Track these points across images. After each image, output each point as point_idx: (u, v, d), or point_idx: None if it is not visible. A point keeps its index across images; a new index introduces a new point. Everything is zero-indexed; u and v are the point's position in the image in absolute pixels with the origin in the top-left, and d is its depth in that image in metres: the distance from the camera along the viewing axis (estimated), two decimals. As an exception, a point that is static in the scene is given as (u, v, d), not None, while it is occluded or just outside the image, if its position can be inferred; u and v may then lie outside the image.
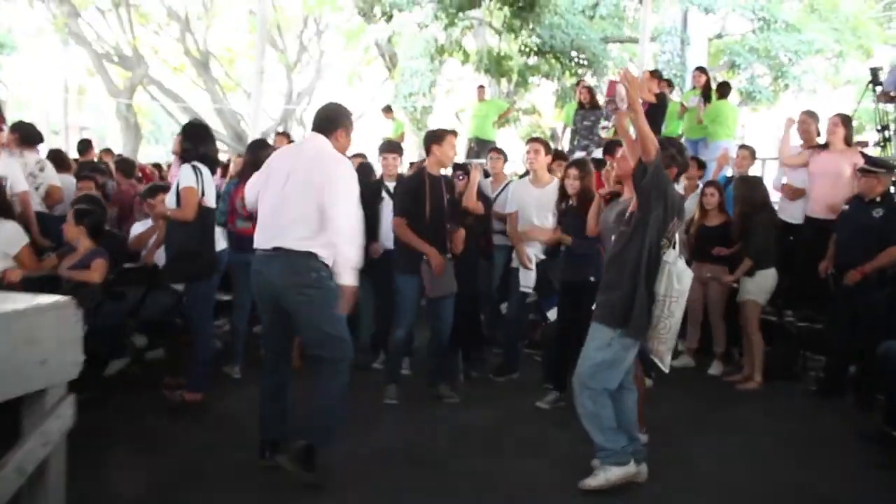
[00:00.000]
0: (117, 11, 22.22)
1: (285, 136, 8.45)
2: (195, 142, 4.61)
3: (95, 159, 8.88)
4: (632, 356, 3.71)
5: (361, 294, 6.02)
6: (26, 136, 6.03)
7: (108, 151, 10.56)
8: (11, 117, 7.93)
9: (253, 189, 3.79)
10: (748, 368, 5.92)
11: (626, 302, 3.55)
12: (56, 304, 2.25)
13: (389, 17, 13.79)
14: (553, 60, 13.95)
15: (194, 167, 4.46)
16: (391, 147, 6.13)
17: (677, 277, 3.58)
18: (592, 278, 4.66)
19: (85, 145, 8.95)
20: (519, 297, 5.70)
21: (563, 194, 5.13)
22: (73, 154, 8.60)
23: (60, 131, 25.62)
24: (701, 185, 6.64)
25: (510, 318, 5.89)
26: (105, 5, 22.63)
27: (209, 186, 4.53)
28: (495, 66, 14.10)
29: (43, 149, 6.57)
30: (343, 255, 3.51)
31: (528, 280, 5.58)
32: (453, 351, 5.45)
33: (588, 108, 9.61)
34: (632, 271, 3.54)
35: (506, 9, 13.22)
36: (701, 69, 9.81)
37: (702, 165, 7.61)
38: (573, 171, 5.01)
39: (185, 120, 20.63)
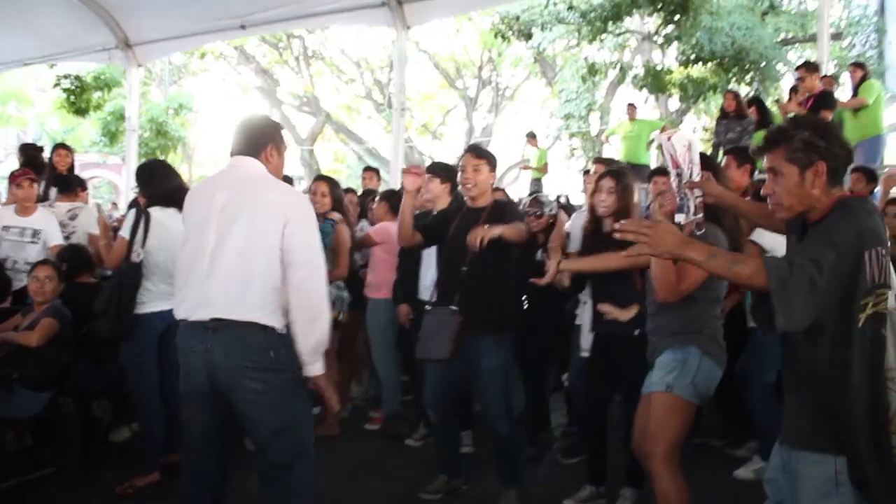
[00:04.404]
0: (298, 65, 23.48)
1: (374, 172, 7.76)
2: (149, 184, 4.15)
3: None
4: None
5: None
6: (63, 186, 6.05)
7: None
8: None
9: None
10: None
11: (837, 402, 2.00)
12: None
13: (528, 37, 12.83)
14: (718, 69, 12.35)
15: (139, 214, 4.00)
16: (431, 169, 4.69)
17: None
18: (637, 332, 3.55)
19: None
20: (581, 363, 4.40)
21: (593, 217, 3.89)
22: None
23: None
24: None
25: (574, 389, 4.68)
26: (291, 62, 24.13)
27: (159, 234, 4.00)
28: (653, 80, 12.76)
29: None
30: (311, 332, 2.72)
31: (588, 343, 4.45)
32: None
33: (732, 118, 8.34)
34: (832, 355, 2.02)
35: (655, 16, 11.92)
36: (858, 64, 8.21)
37: (872, 178, 6.14)
38: (607, 183, 3.74)
39: (372, 162, 21.35)
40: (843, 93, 9.82)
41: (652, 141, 10.86)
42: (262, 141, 2.87)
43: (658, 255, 2.07)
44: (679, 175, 2.69)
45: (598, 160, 4.86)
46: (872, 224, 2.00)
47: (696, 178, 2.68)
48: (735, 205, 2.78)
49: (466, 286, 3.76)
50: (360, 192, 6.84)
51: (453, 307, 3.78)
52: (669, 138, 2.70)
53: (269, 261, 2.67)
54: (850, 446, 1.98)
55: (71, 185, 6.07)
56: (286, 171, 3.44)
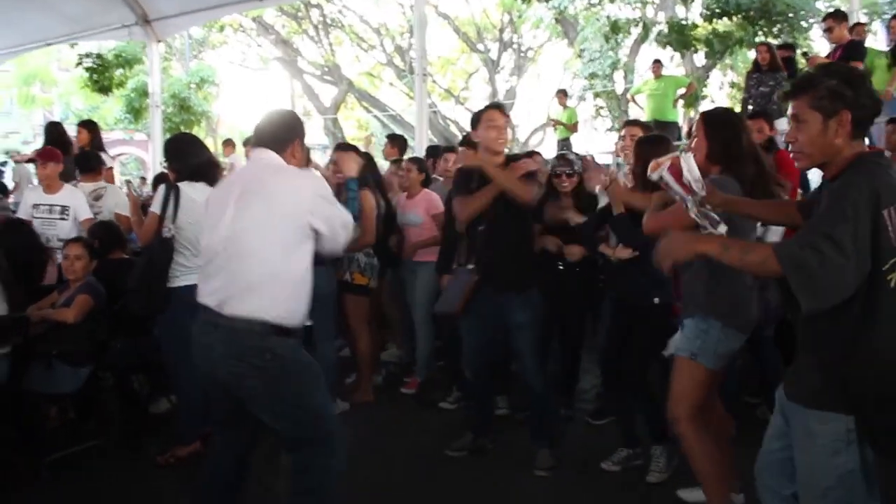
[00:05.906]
0: (318, 34, 23.34)
1: (397, 142, 7.65)
2: (178, 159, 4.17)
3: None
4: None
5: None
6: (82, 165, 6.05)
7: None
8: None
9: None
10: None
11: (856, 365, 1.98)
12: None
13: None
14: (745, 22, 12.03)
15: (169, 189, 4.01)
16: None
17: None
18: (657, 300, 3.52)
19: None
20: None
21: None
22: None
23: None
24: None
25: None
26: (311, 31, 23.98)
27: (189, 209, 4.00)
28: (677, 37, 12.48)
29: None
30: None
31: None
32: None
33: (766, 71, 8.09)
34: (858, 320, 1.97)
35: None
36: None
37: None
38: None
39: (396, 128, 21.24)
40: (874, 43, 9.55)
41: (679, 98, 10.71)
42: (288, 136, 2.90)
43: (682, 259, 2.23)
44: (693, 197, 2.54)
45: (630, 123, 4.83)
46: (889, 180, 1.94)
47: (702, 192, 2.48)
48: (741, 209, 2.67)
49: (484, 245, 3.81)
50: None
51: (470, 266, 3.86)
52: (675, 165, 2.51)
53: (282, 252, 2.69)
54: (861, 407, 1.96)
55: (90, 163, 6.07)
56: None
